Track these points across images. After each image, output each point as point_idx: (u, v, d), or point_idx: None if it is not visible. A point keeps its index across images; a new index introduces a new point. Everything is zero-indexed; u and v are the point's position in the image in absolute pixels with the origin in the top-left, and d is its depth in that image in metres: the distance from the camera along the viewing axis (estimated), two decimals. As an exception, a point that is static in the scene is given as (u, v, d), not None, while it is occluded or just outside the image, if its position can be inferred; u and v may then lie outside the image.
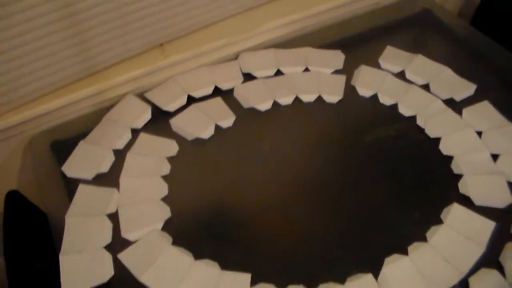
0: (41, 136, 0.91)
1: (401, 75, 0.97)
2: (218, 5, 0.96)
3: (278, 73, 0.97)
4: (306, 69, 0.98)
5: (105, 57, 0.91)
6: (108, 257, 0.71)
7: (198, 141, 0.87)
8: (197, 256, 0.70)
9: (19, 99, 0.86)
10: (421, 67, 0.97)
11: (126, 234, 0.73)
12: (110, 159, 0.84)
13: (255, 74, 0.97)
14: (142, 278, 0.68)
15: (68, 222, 0.75)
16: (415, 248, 0.70)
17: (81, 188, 0.79)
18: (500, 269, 0.68)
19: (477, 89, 0.92)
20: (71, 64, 0.88)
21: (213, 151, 0.86)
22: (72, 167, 0.83)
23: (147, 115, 0.90)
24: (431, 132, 0.86)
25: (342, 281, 0.67)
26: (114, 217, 0.76)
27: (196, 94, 0.93)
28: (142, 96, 0.93)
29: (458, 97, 0.91)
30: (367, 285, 0.66)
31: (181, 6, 0.92)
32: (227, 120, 0.89)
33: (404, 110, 0.90)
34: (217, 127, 0.89)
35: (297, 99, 0.93)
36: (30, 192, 0.88)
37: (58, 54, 0.85)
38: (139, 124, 0.89)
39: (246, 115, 0.91)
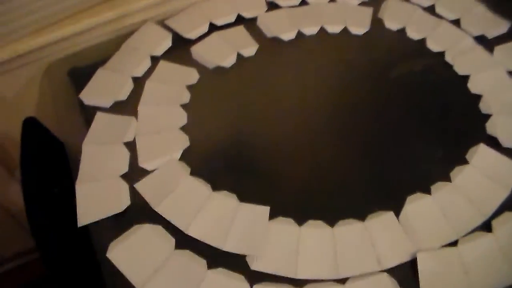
0: (58, 63, 0.89)
1: (431, 10, 0.92)
2: None
3: (303, 3, 0.94)
4: (332, 0, 0.94)
5: (125, -19, 0.88)
6: (124, 186, 0.70)
7: (219, 70, 0.85)
8: (216, 187, 0.69)
9: (35, 23, 0.84)
10: (453, 1, 0.92)
11: (143, 163, 0.72)
12: (129, 86, 0.82)
13: (279, 3, 0.93)
14: (159, 209, 0.67)
15: (85, 150, 0.73)
16: (438, 188, 0.68)
17: (99, 116, 0.78)
18: (525, 213, 0.66)
19: (511, 26, 0.88)
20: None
21: (234, 80, 0.84)
22: (90, 95, 0.81)
23: (167, 43, 0.87)
24: (460, 69, 0.82)
25: (362, 217, 0.66)
26: (131, 146, 0.74)
27: (218, 22, 0.90)
28: (162, 23, 0.90)
29: (490, 34, 0.87)
30: (388, 223, 0.65)
31: None
32: (250, 49, 0.86)
33: (433, 46, 0.86)
34: (239, 56, 0.86)
35: (322, 30, 0.90)
36: (47, 119, 0.87)
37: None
38: (159, 51, 0.86)
39: (269, 45, 0.88)
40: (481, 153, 0.71)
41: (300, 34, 0.89)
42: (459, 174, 0.69)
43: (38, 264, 0.71)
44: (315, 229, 0.65)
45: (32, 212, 0.71)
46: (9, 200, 1.03)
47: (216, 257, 0.63)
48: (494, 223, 0.65)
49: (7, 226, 1.07)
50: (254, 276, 0.61)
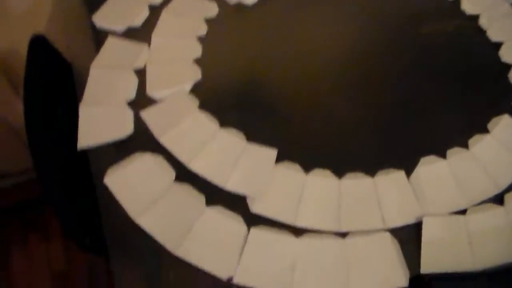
0: (73, -17, 0.86)
1: (470, -30, 0.87)
2: None
3: None
4: None
5: None
6: (129, 113, 0.67)
7: (240, 6, 0.81)
8: (223, 124, 0.66)
9: None
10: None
11: (151, 91, 0.69)
12: (145, 13, 0.79)
13: None
14: (163, 139, 0.64)
15: (92, 72, 0.71)
16: (454, 153, 0.65)
17: (110, 40, 0.75)
18: (541, 191, 0.63)
19: (554, -5, 0.83)
20: None
21: (255, 18, 0.80)
22: (103, 18, 0.78)
23: (189, -26, 0.84)
24: (493, 35, 0.78)
25: (372, 173, 0.63)
26: (141, 74, 0.71)
27: (245, -43, 0.86)
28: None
29: (531, 2, 0.83)
30: (397, 182, 0.62)
31: None
32: (275, -13, 0.83)
33: (468, 7, 0.82)
34: (264, -6, 0.83)
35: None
36: (57, 39, 0.84)
37: None
38: (180, -18, 0.83)
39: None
40: (504, 124, 0.68)
41: (329, -22, 0.85)
42: (478, 143, 0.66)
43: (37, 184, 0.69)
44: (321, 178, 0.62)
45: (32, 131, 0.69)
46: (13, 117, 1.01)
47: (215, 195, 0.61)
48: (507, 197, 0.62)
49: (10, 143, 1.05)
50: (253, 219, 0.59)
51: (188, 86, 0.70)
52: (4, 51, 0.90)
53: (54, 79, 0.77)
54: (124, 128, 0.66)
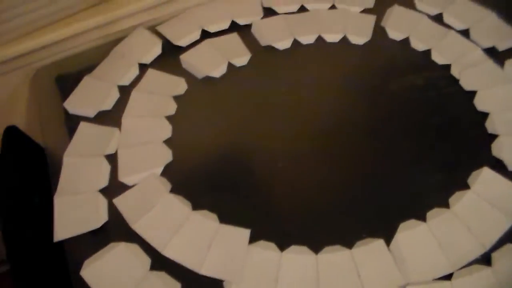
0: (46, 69, 0.86)
1: (438, 18, 0.87)
2: None
3: (302, 9, 0.89)
4: (333, 6, 0.89)
5: (117, -16, 0.85)
6: (103, 201, 0.67)
7: (208, 80, 0.81)
8: (196, 206, 0.65)
9: (22, 27, 0.81)
10: (462, 10, 0.86)
11: (123, 178, 0.69)
12: (114, 96, 0.78)
13: (276, 9, 0.88)
14: (136, 227, 0.63)
15: (65, 162, 0.71)
16: (435, 215, 0.63)
17: (82, 126, 0.75)
18: (529, 247, 0.61)
19: (525, 38, 0.82)
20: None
21: (224, 91, 0.80)
22: (74, 104, 0.78)
23: (157, 50, 0.84)
24: (466, 84, 0.77)
25: (350, 245, 0.61)
26: (113, 159, 0.71)
27: (211, 28, 0.86)
28: (154, 29, 0.87)
29: (501, 46, 0.81)
30: (377, 252, 0.60)
31: None
32: (242, 58, 0.82)
33: (438, 58, 0.81)
34: (231, 66, 0.82)
35: (320, 39, 0.85)
36: (31, 126, 0.84)
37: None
38: (148, 59, 0.83)
39: (263, 54, 0.83)
40: (484, 177, 0.66)
41: (296, 43, 0.84)
42: (459, 200, 0.64)
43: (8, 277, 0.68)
44: (297, 255, 0.60)
45: (7, 226, 0.68)
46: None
47: (192, 280, 0.59)
48: (495, 255, 0.60)
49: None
50: (231, 304, 0.57)
51: (159, 170, 0.69)
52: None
53: (28, 168, 0.77)
54: (98, 217, 0.65)
